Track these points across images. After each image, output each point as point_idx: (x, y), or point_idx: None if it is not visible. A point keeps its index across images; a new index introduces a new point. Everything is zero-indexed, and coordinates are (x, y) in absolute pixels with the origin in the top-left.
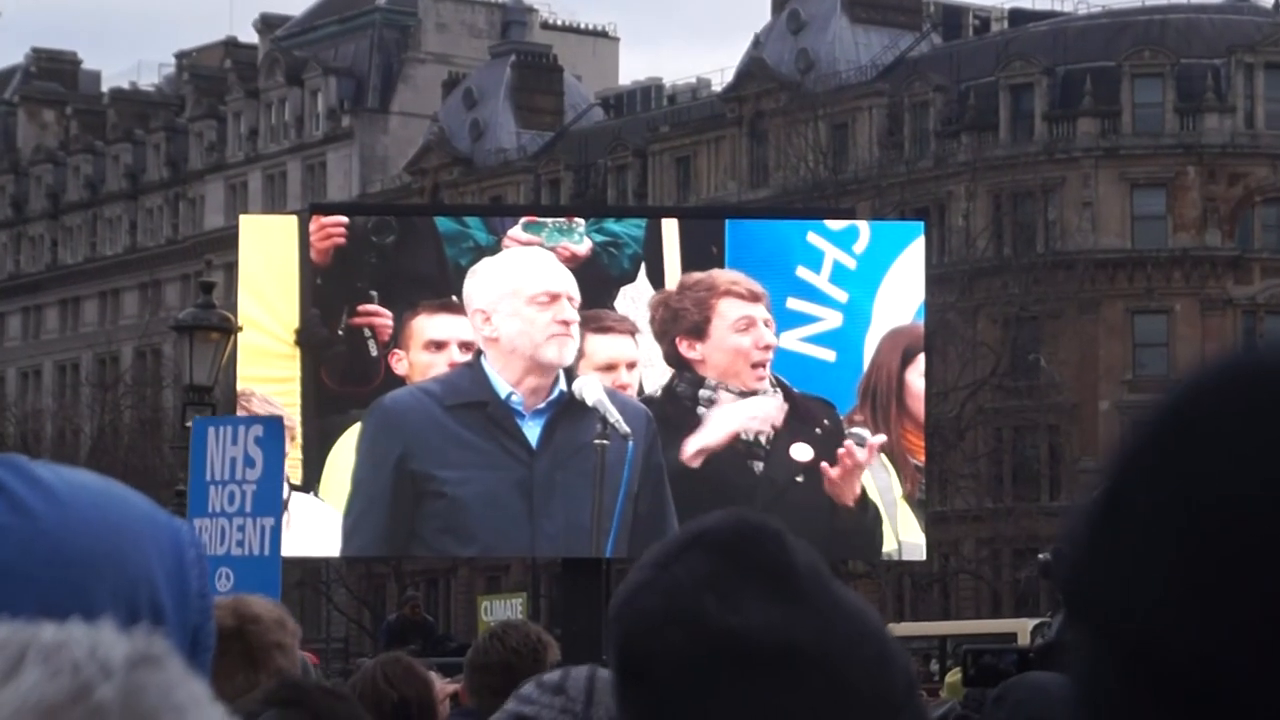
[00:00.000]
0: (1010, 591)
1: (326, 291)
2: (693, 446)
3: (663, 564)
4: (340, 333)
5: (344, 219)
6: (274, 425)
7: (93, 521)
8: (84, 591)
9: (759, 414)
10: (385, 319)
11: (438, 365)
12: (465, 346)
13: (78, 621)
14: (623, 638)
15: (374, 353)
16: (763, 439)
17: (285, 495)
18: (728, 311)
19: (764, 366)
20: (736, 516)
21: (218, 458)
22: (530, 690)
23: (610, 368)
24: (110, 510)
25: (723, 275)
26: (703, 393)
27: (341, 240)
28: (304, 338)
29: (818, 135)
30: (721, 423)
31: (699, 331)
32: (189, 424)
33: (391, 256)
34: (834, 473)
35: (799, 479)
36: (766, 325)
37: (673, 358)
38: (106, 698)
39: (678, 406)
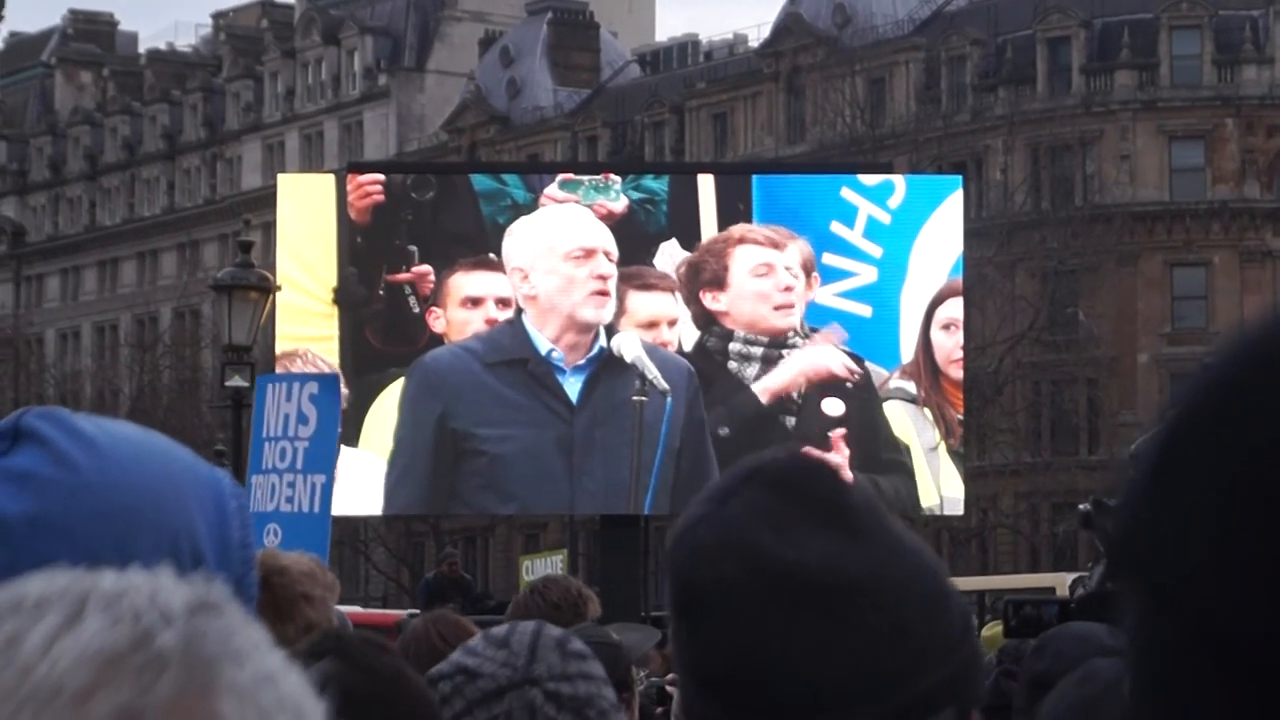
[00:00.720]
0: (1049, 546)
1: (365, 250)
2: (761, 387)
3: (720, 499)
4: (380, 291)
5: (381, 177)
6: (329, 382)
7: (134, 474)
8: (126, 544)
9: (763, 317)
10: (426, 275)
11: (474, 322)
12: (502, 303)
13: (136, 569)
14: (679, 571)
15: (415, 309)
16: (795, 394)
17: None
18: (745, 258)
19: (789, 309)
20: (793, 453)
21: (274, 414)
22: (477, 643)
23: (652, 324)
24: (152, 462)
25: (740, 226)
26: (733, 346)
27: (380, 198)
28: (342, 296)
29: (855, 90)
30: (796, 364)
31: (719, 281)
32: (228, 384)
33: (430, 214)
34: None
35: (831, 434)
36: (788, 270)
37: (700, 315)
38: (168, 645)
39: (709, 362)
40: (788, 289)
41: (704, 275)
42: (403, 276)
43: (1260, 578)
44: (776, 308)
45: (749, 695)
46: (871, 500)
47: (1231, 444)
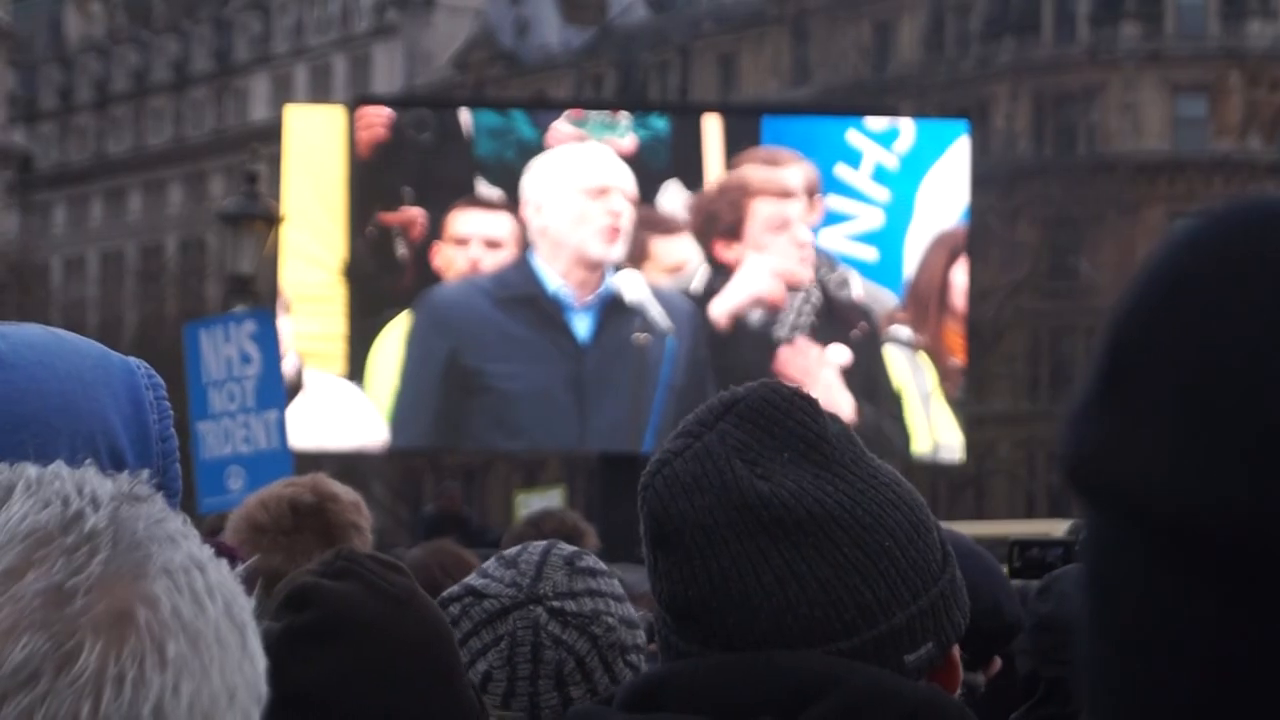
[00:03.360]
0: (1045, 494)
1: (366, 185)
2: (720, 309)
3: (694, 433)
4: (370, 228)
5: (389, 112)
6: (265, 318)
7: (42, 379)
8: (39, 451)
9: (781, 271)
10: (417, 219)
11: (458, 261)
12: (490, 244)
13: (61, 464)
14: (653, 504)
15: (402, 251)
16: (799, 334)
17: (372, 394)
18: (760, 212)
19: (805, 263)
20: (768, 386)
21: (213, 359)
22: (490, 564)
23: (676, 269)
24: (59, 365)
25: (755, 175)
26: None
27: (383, 132)
28: (352, 270)
29: (861, 35)
30: (744, 283)
31: (734, 232)
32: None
33: (429, 155)
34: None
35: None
36: (803, 219)
37: (712, 260)
38: (99, 526)
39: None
40: (802, 244)
41: (719, 225)
42: (393, 218)
43: (1233, 475)
44: (794, 263)
45: (722, 627)
46: (846, 432)
47: (1188, 340)
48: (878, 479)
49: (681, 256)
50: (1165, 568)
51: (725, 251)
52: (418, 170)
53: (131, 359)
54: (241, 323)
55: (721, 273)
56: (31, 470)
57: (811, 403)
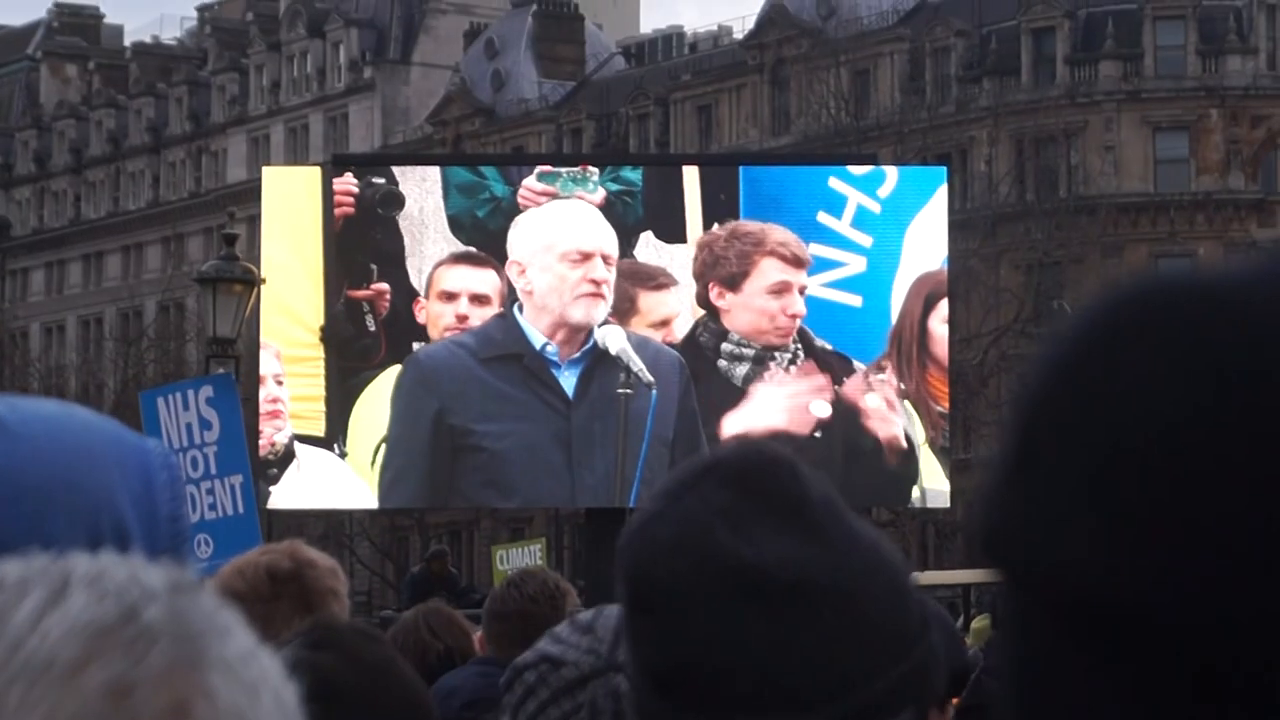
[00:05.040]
0: None
1: (337, 259)
2: (731, 427)
3: (675, 495)
4: (341, 304)
5: (354, 189)
6: (223, 383)
7: (46, 451)
8: (38, 523)
9: (800, 392)
10: (384, 293)
11: (446, 316)
12: (477, 300)
13: (111, 554)
14: (631, 568)
15: (371, 328)
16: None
17: (340, 451)
18: (767, 271)
19: (788, 334)
20: (750, 448)
21: (173, 426)
22: (562, 629)
23: (664, 324)
24: (66, 438)
25: (774, 234)
26: (725, 346)
27: (350, 210)
28: (329, 289)
29: (839, 82)
30: (764, 407)
31: (733, 283)
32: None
33: (395, 229)
34: (874, 417)
35: (816, 435)
36: (802, 293)
37: (703, 299)
38: (156, 619)
39: (700, 357)
40: (795, 315)
41: (720, 270)
42: (360, 294)
43: (1133, 556)
44: (778, 329)
45: (701, 693)
46: (828, 495)
47: (1095, 419)
48: (860, 544)
49: (671, 310)
50: (1069, 640)
51: (718, 298)
52: (384, 245)
53: (150, 440)
54: (199, 388)
55: (711, 321)
56: (83, 561)
57: (794, 466)
